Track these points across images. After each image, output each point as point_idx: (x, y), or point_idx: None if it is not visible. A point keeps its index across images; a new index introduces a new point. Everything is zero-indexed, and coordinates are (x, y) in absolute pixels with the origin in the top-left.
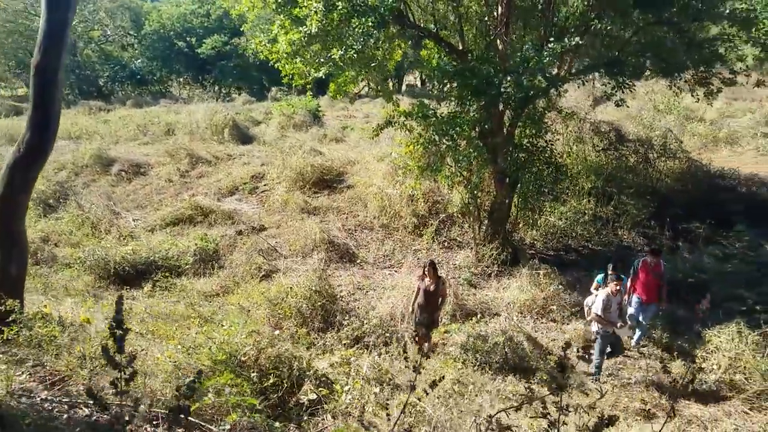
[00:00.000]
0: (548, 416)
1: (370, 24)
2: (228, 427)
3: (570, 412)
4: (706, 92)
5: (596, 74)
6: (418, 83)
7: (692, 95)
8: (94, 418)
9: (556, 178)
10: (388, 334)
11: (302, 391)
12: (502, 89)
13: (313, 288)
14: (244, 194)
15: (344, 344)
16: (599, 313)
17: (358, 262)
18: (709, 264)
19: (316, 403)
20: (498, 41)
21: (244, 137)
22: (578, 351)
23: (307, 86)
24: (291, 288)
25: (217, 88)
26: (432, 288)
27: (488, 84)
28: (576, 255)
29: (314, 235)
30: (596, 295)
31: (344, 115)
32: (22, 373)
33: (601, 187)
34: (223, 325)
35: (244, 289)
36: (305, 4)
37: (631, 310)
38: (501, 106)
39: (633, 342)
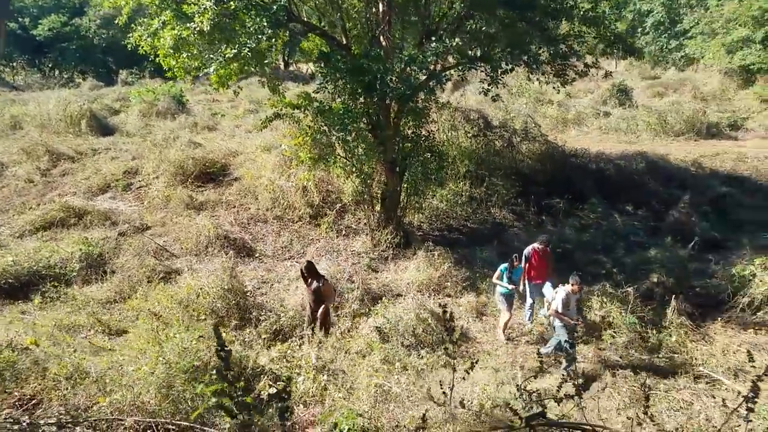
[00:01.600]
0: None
1: (265, 23)
2: (228, 426)
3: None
4: (562, 82)
5: (472, 70)
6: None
7: (553, 88)
8: None
9: (440, 165)
10: (305, 325)
11: (259, 386)
12: (391, 85)
13: (225, 287)
14: (117, 192)
15: (263, 339)
16: (559, 310)
17: (257, 256)
18: (570, 234)
19: (276, 396)
20: (381, 38)
21: (104, 128)
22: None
23: (188, 76)
24: (201, 288)
25: (57, 72)
26: (314, 288)
27: (380, 81)
28: (458, 234)
29: (207, 231)
30: (556, 292)
31: (207, 99)
32: None
33: (474, 170)
34: (167, 335)
35: (144, 294)
36: (194, 0)
37: (529, 300)
38: (388, 101)
39: (526, 318)
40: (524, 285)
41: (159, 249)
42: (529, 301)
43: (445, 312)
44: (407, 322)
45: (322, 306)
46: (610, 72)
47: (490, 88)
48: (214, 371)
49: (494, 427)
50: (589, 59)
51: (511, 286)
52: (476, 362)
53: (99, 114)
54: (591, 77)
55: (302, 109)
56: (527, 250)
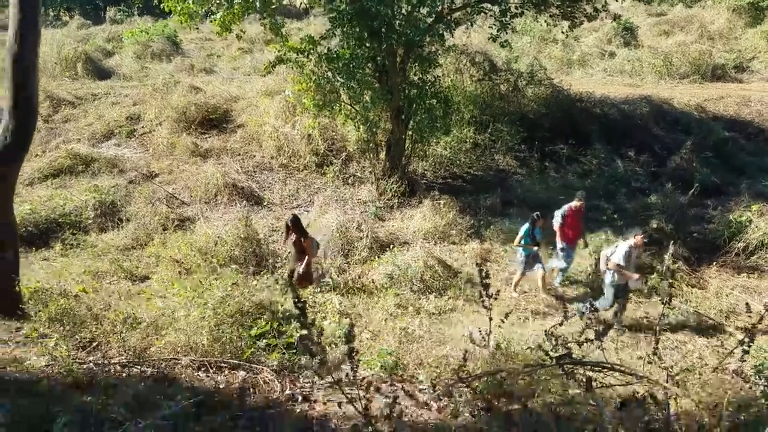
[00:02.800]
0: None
1: None
2: (276, 362)
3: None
4: (570, 25)
5: (481, 14)
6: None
7: (562, 32)
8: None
9: (445, 111)
10: (320, 271)
11: (289, 331)
12: (398, 29)
13: (241, 235)
14: (122, 138)
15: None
16: (621, 263)
17: (265, 204)
18: (572, 180)
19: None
20: None
21: (100, 72)
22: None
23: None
24: (219, 237)
25: (43, 10)
26: (294, 240)
27: (387, 25)
28: (462, 181)
29: (215, 179)
30: (616, 245)
31: (200, 38)
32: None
33: (478, 116)
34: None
35: (161, 241)
36: None
37: (562, 263)
38: (395, 46)
39: (557, 282)
40: (561, 247)
41: (169, 197)
42: (563, 265)
43: (481, 271)
44: (416, 269)
45: (305, 259)
46: (619, 15)
47: (498, 33)
48: (266, 315)
49: (528, 365)
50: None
51: (535, 247)
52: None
53: (93, 56)
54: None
55: (306, 54)
56: (563, 209)
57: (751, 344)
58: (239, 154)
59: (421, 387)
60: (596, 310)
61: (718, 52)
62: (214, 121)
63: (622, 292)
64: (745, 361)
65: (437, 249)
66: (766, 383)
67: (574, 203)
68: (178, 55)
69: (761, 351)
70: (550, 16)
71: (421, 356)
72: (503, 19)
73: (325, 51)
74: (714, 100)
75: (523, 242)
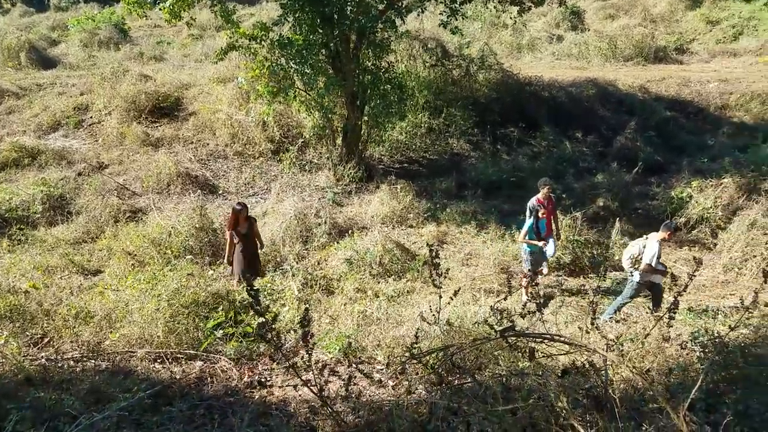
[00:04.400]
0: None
1: None
2: (233, 351)
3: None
4: (519, 10)
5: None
6: None
7: (510, 17)
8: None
9: (400, 96)
10: (278, 259)
11: (248, 318)
12: (351, 16)
13: (196, 225)
14: (69, 129)
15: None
16: (653, 264)
17: (220, 192)
18: (523, 162)
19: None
20: None
21: (45, 61)
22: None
23: (141, 11)
24: (173, 227)
25: None
26: (245, 231)
27: (340, 12)
28: (418, 165)
29: (167, 168)
30: (643, 245)
31: (149, 25)
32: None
33: (432, 101)
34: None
35: (113, 233)
36: None
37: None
38: (348, 32)
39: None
40: (545, 240)
41: (120, 188)
42: (550, 252)
43: (431, 250)
44: (374, 253)
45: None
46: (565, 0)
47: (449, 20)
48: (224, 304)
49: (475, 339)
50: None
51: (541, 243)
52: (459, 290)
53: (38, 45)
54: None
55: (258, 41)
56: (531, 202)
57: (675, 311)
58: (192, 143)
59: (378, 367)
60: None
61: (660, 35)
62: (166, 109)
63: (643, 289)
64: (672, 326)
65: (395, 233)
66: (701, 349)
67: (542, 193)
68: (127, 43)
69: (696, 318)
70: (499, 1)
71: (379, 337)
72: (453, 5)
73: (278, 37)
74: (656, 82)
75: (527, 237)
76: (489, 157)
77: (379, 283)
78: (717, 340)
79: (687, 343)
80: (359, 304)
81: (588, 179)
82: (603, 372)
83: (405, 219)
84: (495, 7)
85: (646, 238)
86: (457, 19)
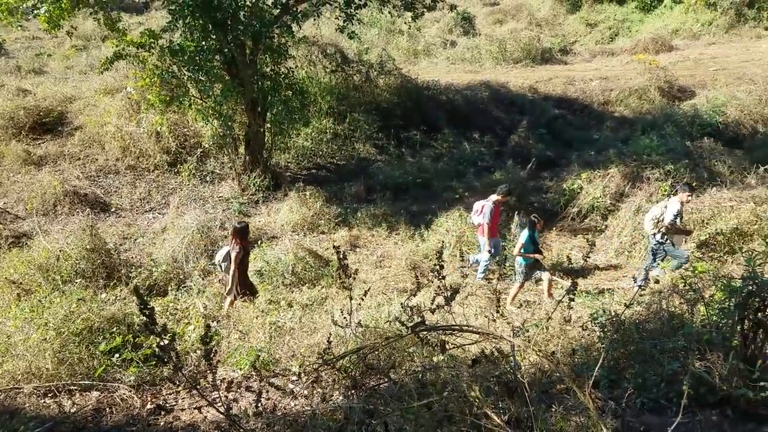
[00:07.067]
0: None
1: None
2: (133, 377)
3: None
4: (413, 16)
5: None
6: None
7: (405, 22)
8: None
9: (302, 102)
10: (182, 276)
11: (154, 343)
12: (244, 21)
13: (87, 246)
14: None
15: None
16: (676, 222)
17: (113, 210)
18: (427, 164)
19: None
20: None
21: None
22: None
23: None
24: (61, 250)
25: None
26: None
27: (233, 17)
28: (326, 171)
29: (53, 188)
30: (665, 206)
31: (26, 37)
32: None
33: (336, 106)
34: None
35: None
36: None
37: (488, 256)
38: (242, 38)
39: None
40: (490, 241)
41: (1, 212)
42: (488, 257)
43: (338, 252)
44: (286, 262)
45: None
46: (455, 5)
47: (345, 24)
48: (121, 329)
49: (387, 338)
50: None
51: (538, 256)
52: (369, 290)
53: None
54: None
55: (147, 48)
56: (488, 205)
57: (574, 294)
58: (79, 159)
59: (294, 378)
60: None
61: (546, 38)
62: (48, 125)
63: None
64: (572, 308)
65: (307, 240)
66: (600, 329)
67: (498, 196)
68: (1, 56)
69: (594, 300)
70: (393, 7)
71: (294, 348)
72: (348, 10)
73: (168, 44)
74: (544, 82)
75: (523, 250)
76: (395, 160)
77: (292, 292)
78: (614, 319)
79: (587, 324)
80: (271, 316)
81: (487, 177)
82: (511, 358)
83: (316, 225)
84: (390, 13)
85: (668, 200)
86: (353, 24)
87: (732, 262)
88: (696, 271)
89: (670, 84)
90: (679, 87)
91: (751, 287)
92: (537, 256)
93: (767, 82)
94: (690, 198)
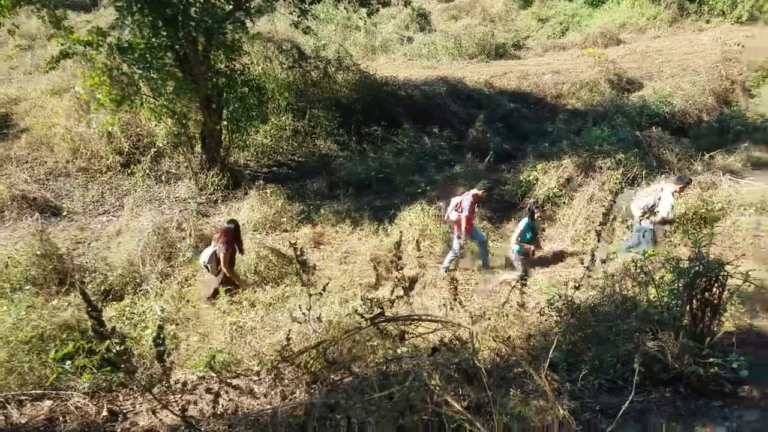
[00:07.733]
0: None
1: None
2: (87, 384)
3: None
4: (368, 12)
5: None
6: None
7: (360, 18)
8: None
9: (259, 99)
10: (138, 280)
11: (105, 346)
12: (195, 17)
13: (37, 252)
14: None
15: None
16: (668, 217)
17: (65, 214)
18: (389, 159)
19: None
20: None
21: None
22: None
23: None
24: (10, 257)
25: None
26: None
27: (183, 13)
28: (287, 168)
29: None
30: (658, 197)
31: None
32: None
33: (294, 103)
34: None
35: None
36: None
37: (460, 248)
38: (194, 34)
39: (445, 265)
40: (459, 235)
41: None
42: (458, 248)
43: (295, 249)
44: (248, 262)
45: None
46: (410, 1)
47: (300, 20)
48: (75, 336)
49: (347, 331)
50: None
51: (533, 247)
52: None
53: None
54: (393, 3)
55: (95, 46)
56: (467, 199)
57: (526, 280)
58: (27, 162)
59: (255, 378)
60: None
61: (499, 33)
62: None
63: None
64: (525, 293)
65: (269, 238)
66: (557, 313)
67: (477, 192)
68: None
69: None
70: (348, 2)
71: (255, 347)
72: (302, 5)
73: (116, 41)
74: (499, 76)
75: (520, 239)
76: (356, 156)
77: (255, 292)
78: (570, 303)
79: (544, 309)
80: (232, 316)
81: (448, 171)
82: (470, 344)
83: (279, 223)
84: (345, 8)
85: (661, 189)
86: (308, 20)
87: (680, 244)
88: (646, 255)
89: (619, 76)
90: (627, 79)
91: (698, 268)
92: (532, 247)
93: (710, 72)
94: (684, 191)
